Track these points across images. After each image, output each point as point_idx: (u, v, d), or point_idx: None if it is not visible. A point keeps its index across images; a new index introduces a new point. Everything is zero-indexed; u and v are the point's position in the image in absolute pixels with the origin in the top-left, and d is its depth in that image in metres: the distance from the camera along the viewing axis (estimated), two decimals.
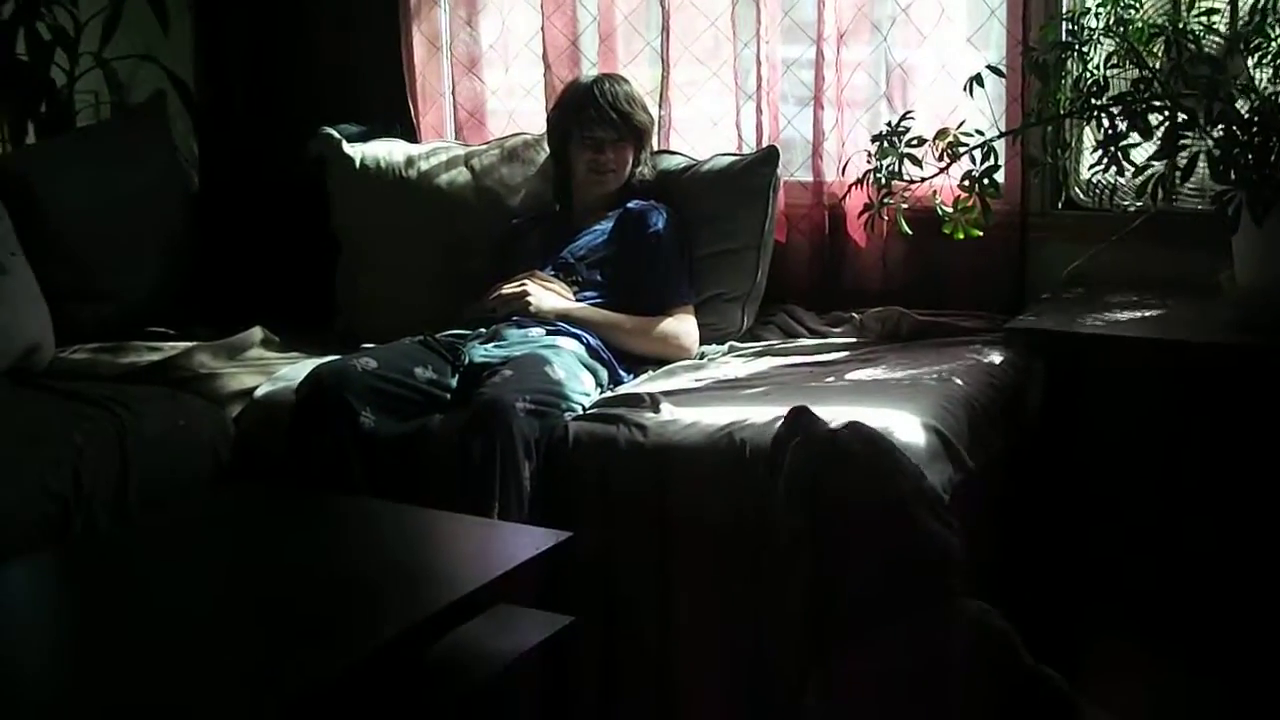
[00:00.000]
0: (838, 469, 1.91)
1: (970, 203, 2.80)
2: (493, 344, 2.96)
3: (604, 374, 2.97)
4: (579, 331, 3.02)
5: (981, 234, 2.85)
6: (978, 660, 1.76)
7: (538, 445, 2.63)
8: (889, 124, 2.85)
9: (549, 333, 3.00)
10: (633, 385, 2.96)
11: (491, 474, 2.57)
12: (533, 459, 2.62)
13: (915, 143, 2.79)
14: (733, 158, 3.36)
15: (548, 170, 3.46)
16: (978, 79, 2.79)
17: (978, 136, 2.78)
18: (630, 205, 3.24)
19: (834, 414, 2.22)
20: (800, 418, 2.06)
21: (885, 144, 2.82)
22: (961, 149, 2.78)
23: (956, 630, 1.79)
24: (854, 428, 2.00)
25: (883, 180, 2.82)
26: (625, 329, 3.09)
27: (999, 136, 2.83)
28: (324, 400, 2.78)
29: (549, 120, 3.39)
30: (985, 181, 2.77)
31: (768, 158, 3.28)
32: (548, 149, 3.45)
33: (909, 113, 2.87)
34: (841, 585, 1.82)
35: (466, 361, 2.91)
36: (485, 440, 2.59)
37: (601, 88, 3.22)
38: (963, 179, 2.79)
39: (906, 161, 2.80)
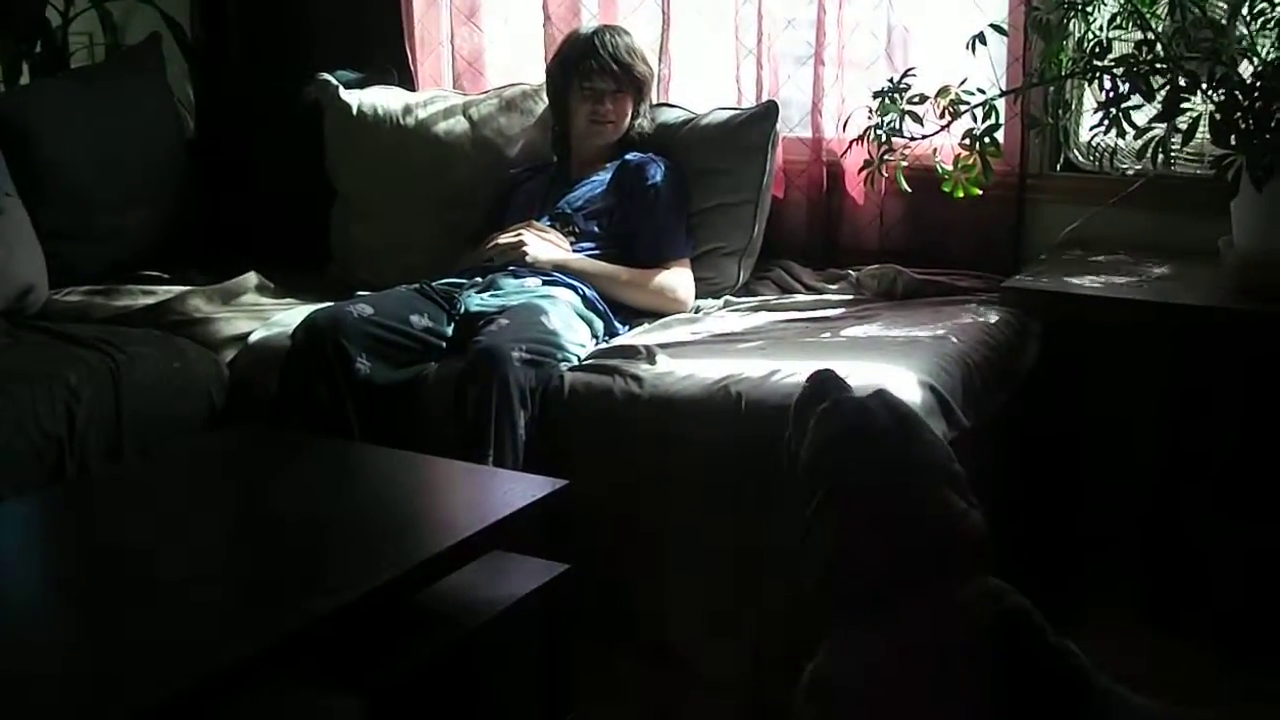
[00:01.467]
0: (869, 443, 1.86)
1: (971, 161, 2.79)
2: (488, 293, 2.96)
3: (599, 325, 2.97)
4: (575, 282, 3.02)
5: (981, 193, 2.85)
6: (996, 637, 1.74)
7: (533, 394, 2.64)
8: (890, 80, 2.84)
9: (545, 283, 2.99)
10: (628, 337, 2.96)
11: (486, 422, 2.57)
12: (528, 408, 2.63)
13: (916, 100, 2.78)
14: (732, 112, 3.34)
15: (546, 121, 3.44)
16: (980, 37, 2.78)
17: (979, 95, 2.78)
18: (629, 157, 3.23)
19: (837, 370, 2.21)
20: (825, 382, 2.00)
21: (886, 100, 2.81)
22: (963, 107, 2.78)
23: (975, 607, 1.77)
24: (883, 399, 1.94)
25: (883, 137, 2.81)
26: (621, 280, 3.09)
27: (1000, 95, 2.83)
28: (319, 346, 2.78)
29: (548, 70, 3.37)
30: (986, 140, 2.76)
31: (767, 112, 3.27)
32: (546, 99, 3.43)
33: (911, 69, 2.86)
34: (863, 557, 1.78)
35: (462, 310, 2.91)
36: (481, 388, 2.60)
37: (602, 38, 3.21)
38: (964, 137, 2.79)
39: (907, 119, 2.79)
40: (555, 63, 3.33)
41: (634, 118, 3.27)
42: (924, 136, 2.81)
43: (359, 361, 2.76)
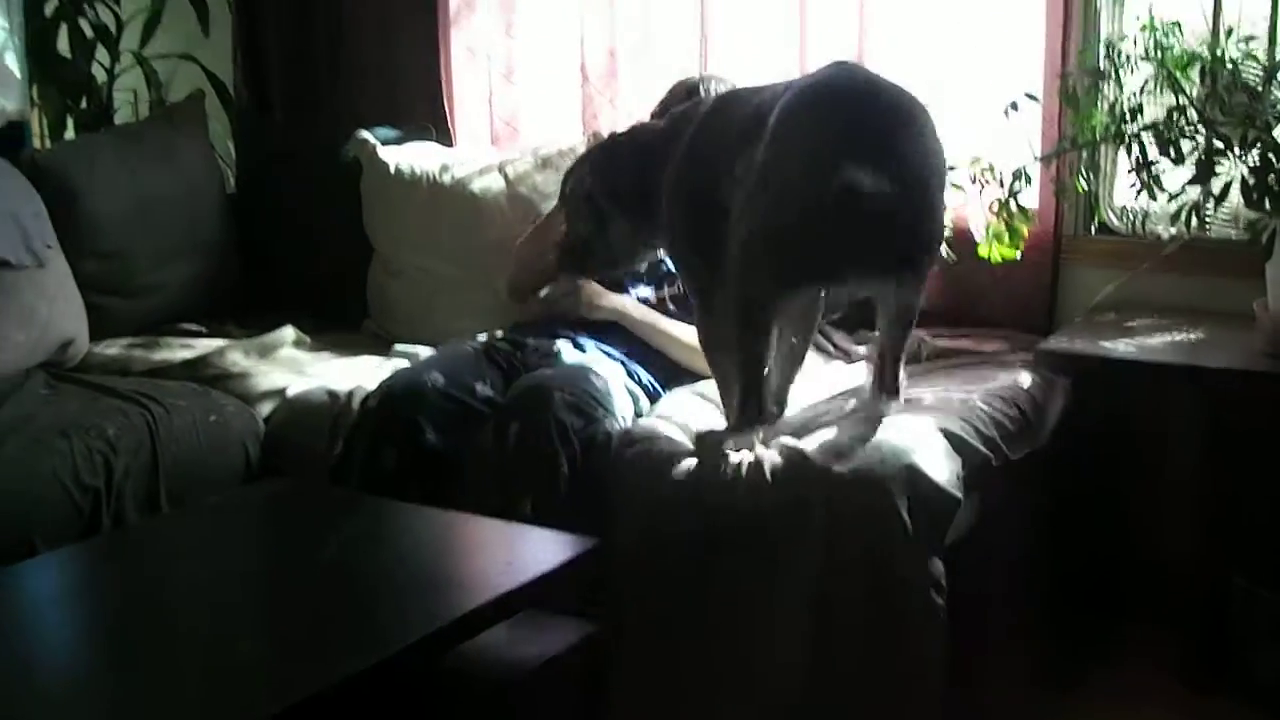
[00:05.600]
0: None
1: (1000, 227, 2.81)
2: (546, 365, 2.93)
3: (644, 403, 2.92)
4: (622, 358, 2.98)
5: (1018, 257, 2.86)
6: None
7: (577, 435, 2.62)
8: None
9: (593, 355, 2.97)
10: (671, 405, 2.92)
11: (527, 457, 2.58)
12: (570, 445, 2.60)
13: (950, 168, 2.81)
14: None
15: None
16: (1014, 105, 2.81)
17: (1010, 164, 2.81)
18: None
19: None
20: None
21: None
22: (993, 174, 2.81)
23: None
24: None
25: None
26: (673, 336, 3.05)
27: (1035, 159, 2.85)
28: (394, 415, 2.77)
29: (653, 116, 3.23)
30: (1014, 207, 2.79)
31: None
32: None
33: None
34: None
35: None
36: (522, 424, 2.60)
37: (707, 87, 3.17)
38: (993, 204, 2.81)
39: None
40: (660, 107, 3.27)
41: None
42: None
43: (428, 433, 2.75)
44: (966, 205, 2.89)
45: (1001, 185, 2.81)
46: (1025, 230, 2.89)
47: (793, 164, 2.42)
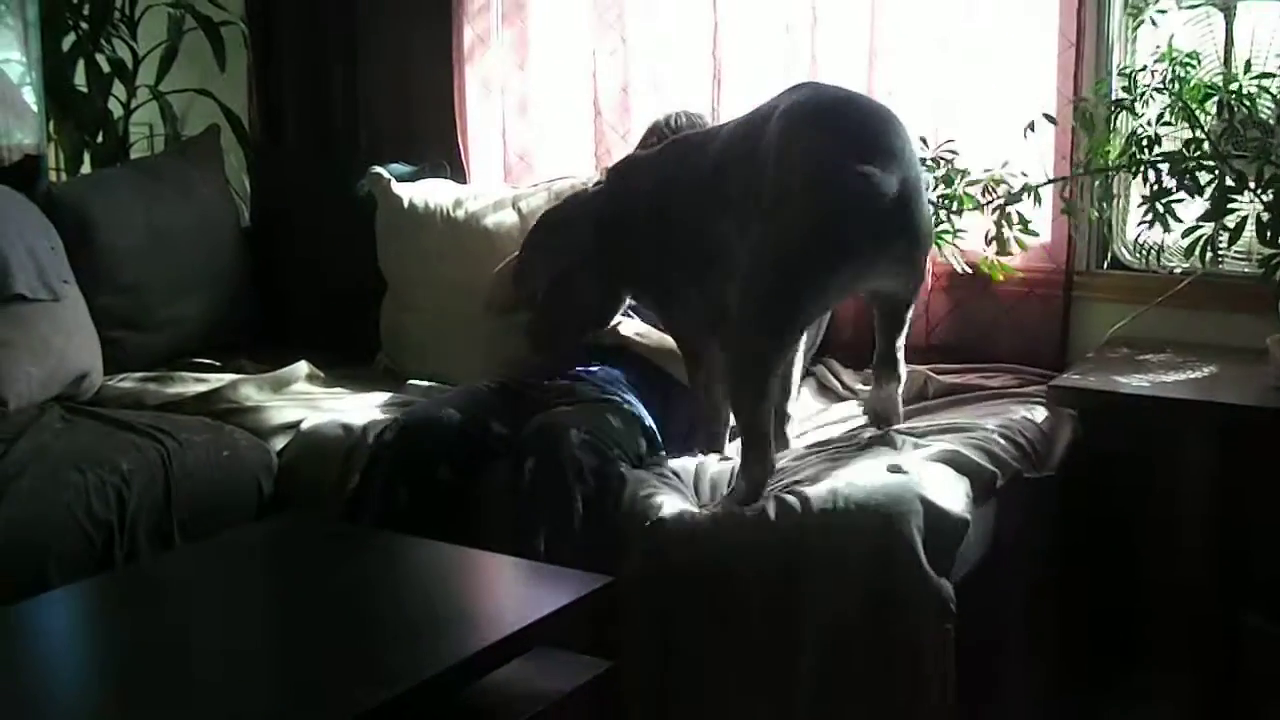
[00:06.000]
0: None
1: (1000, 235, 2.84)
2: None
3: (645, 449, 2.87)
4: (638, 411, 2.93)
5: (1022, 275, 2.91)
6: None
7: (593, 474, 2.62)
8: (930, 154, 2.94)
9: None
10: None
11: (542, 496, 2.58)
12: (585, 483, 2.60)
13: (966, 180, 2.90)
14: None
15: None
16: (1031, 126, 2.83)
17: (1021, 177, 2.89)
18: None
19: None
20: None
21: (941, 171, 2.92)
22: (1004, 187, 2.88)
23: None
24: None
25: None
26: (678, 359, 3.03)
27: (1046, 183, 2.87)
28: (407, 450, 2.78)
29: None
30: (1015, 215, 2.82)
31: None
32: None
33: (949, 141, 2.99)
34: None
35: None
36: (537, 461, 2.61)
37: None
38: (994, 210, 2.84)
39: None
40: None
41: None
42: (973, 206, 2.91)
43: (442, 469, 2.76)
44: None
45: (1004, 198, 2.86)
46: (1023, 241, 2.91)
47: (799, 177, 2.52)
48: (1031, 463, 2.77)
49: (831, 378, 3.31)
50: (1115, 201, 3.06)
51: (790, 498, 2.50)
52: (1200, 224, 2.71)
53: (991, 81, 3.25)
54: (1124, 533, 2.92)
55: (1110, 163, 2.85)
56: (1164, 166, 2.74)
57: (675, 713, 2.57)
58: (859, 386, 3.24)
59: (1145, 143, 2.77)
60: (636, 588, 2.50)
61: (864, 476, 2.52)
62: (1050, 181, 2.93)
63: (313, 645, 2.02)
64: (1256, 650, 2.67)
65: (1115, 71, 3.02)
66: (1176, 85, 2.73)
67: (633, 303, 3.10)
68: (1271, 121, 2.68)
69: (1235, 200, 2.66)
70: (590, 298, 2.99)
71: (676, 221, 2.81)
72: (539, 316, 3.05)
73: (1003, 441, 2.73)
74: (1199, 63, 2.77)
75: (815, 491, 2.49)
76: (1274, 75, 2.75)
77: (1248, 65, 2.77)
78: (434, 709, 1.90)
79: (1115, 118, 2.90)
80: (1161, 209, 2.74)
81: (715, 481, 2.74)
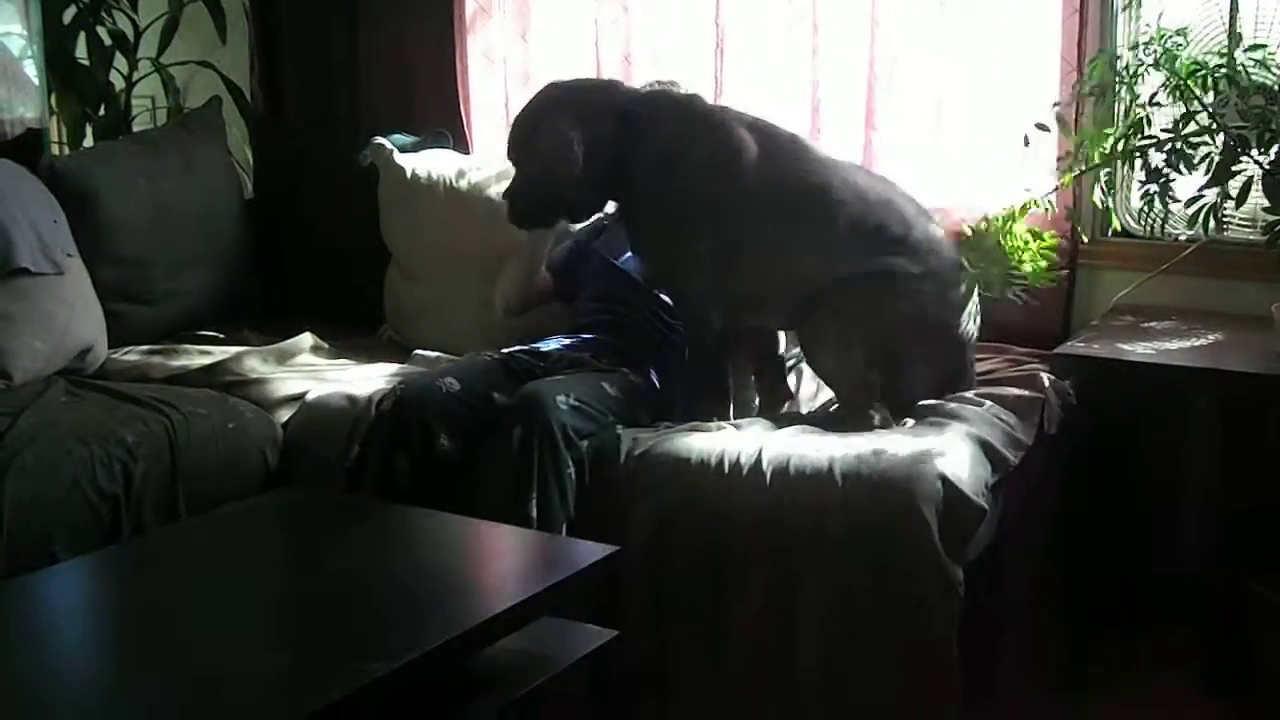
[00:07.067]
0: None
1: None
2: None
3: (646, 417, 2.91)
4: (637, 381, 2.96)
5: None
6: None
7: (585, 439, 2.64)
8: None
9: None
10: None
11: (531, 462, 2.58)
12: (576, 450, 2.62)
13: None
14: None
15: None
16: (1026, 140, 2.85)
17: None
18: None
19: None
20: None
21: None
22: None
23: None
24: None
25: None
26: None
27: (1051, 192, 2.90)
28: (406, 419, 2.77)
29: None
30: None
31: None
32: None
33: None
34: None
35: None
36: (525, 429, 2.61)
37: None
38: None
39: None
40: None
41: None
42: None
43: (442, 438, 2.76)
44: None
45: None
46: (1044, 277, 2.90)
47: None
48: (1039, 440, 2.77)
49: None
50: (1117, 179, 3.07)
51: (814, 459, 2.51)
52: (1202, 194, 2.70)
53: (992, 73, 3.25)
54: (1128, 500, 2.93)
55: (1103, 157, 2.84)
56: (1159, 158, 2.73)
57: (677, 680, 2.58)
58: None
59: (1136, 125, 2.76)
60: (639, 554, 2.51)
61: (895, 445, 2.54)
62: (1050, 193, 2.92)
63: (318, 617, 2.03)
64: (1260, 616, 2.68)
65: (1112, 50, 3.01)
66: (1170, 62, 2.71)
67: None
68: (1276, 88, 2.67)
69: (1240, 163, 2.65)
70: (576, 188, 2.94)
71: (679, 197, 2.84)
72: (528, 182, 2.99)
73: (1017, 419, 2.73)
74: (1187, 40, 2.75)
75: (843, 456, 2.51)
76: (1265, 46, 2.72)
77: (1238, 39, 2.74)
78: (439, 679, 1.91)
79: (1112, 101, 2.89)
80: (1157, 189, 2.74)
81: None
